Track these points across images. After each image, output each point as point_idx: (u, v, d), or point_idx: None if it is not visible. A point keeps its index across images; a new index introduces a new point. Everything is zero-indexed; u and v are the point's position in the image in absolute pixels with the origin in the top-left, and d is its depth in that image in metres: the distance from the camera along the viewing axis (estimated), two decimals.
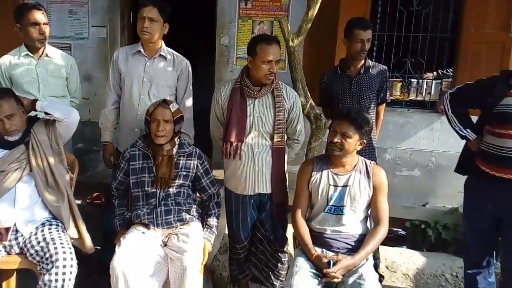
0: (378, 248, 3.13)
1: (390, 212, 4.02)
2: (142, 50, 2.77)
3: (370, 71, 3.04)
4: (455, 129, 2.62)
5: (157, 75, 2.78)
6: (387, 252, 3.63)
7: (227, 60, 4.45)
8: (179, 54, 2.88)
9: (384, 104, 3.22)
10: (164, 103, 2.48)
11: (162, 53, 2.80)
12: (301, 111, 2.69)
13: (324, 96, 3.15)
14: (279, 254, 2.72)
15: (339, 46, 3.65)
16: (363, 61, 3.04)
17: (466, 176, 2.67)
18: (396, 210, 4.16)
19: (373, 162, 2.43)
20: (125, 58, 2.80)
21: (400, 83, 4.27)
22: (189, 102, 2.88)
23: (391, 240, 4.02)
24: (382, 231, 2.29)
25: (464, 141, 2.62)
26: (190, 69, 2.89)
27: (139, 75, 2.77)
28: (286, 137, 2.67)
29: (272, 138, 2.56)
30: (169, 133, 2.46)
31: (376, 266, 3.14)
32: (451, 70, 4.25)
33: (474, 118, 2.59)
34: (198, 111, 3.04)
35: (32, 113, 2.62)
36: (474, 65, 3.79)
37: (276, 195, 2.63)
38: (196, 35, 6.62)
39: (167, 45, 2.86)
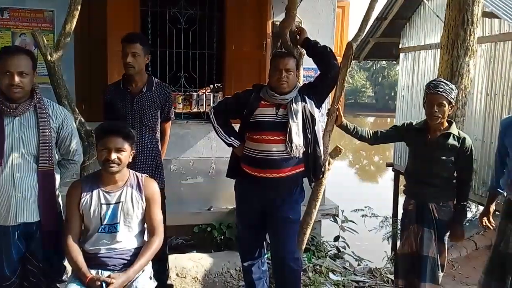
0: (167, 265, 3.20)
1: (178, 220, 4.22)
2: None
3: (152, 89, 2.97)
4: (221, 138, 2.90)
5: None
6: (177, 260, 3.74)
7: None
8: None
9: (170, 122, 3.22)
10: None
11: None
12: (74, 129, 2.54)
13: (109, 112, 3.01)
14: (57, 284, 2.52)
15: (110, 61, 3.60)
16: (145, 78, 2.97)
17: None
18: (184, 218, 4.36)
19: (145, 174, 2.47)
20: None
21: (182, 96, 4.47)
22: None
23: (179, 249, 4.17)
24: (157, 241, 2.34)
25: (231, 148, 2.92)
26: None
27: None
28: (58, 158, 2.49)
29: (37, 161, 2.34)
30: None
31: (165, 279, 3.20)
32: (220, 85, 4.67)
33: (237, 127, 2.90)
34: None
35: None
36: (237, 79, 4.26)
37: (45, 223, 2.41)
38: None
39: None
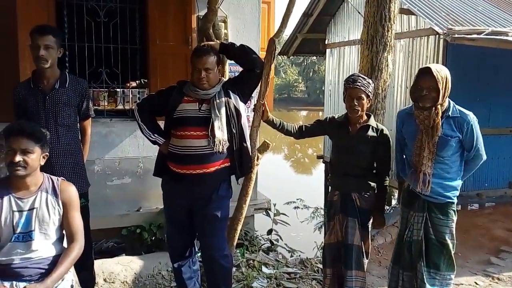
0: (92, 271, 3.04)
1: (105, 223, 4.04)
2: None
3: (66, 85, 2.79)
4: (146, 136, 2.82)
5: None
6: (104, 265, 3.58)
7: None
8: None
9: (90, 119, 3.04)
10: None
11: None
12: None
13: (20, 113, 2.78)
14: None
15: (22, 56, 3.34)
16: (57, 74, 2.78)
17: None
18: (111, 220, 4.19)
19: (62, 178, 2.32)
20: None
21: (106, 93, 4.26)
22: None
23: (110, 252, 4.00)
24: (77, 247, 2.21)
25: (157, 145, 2.83)
26: None
27: None
28: None
29: None
30: None
31: (91, 286, 3.05)
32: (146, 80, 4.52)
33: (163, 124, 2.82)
34: None
35: None
36: (163, 74, 4.16)
37: None
38: None
39: None
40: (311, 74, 36.45)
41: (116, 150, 4.26)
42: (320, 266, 3.81)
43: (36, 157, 2.14)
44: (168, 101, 2.70)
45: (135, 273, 3.59)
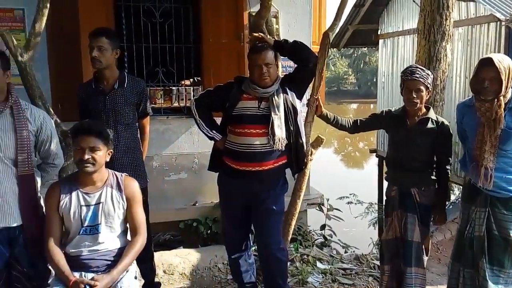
0: (153, 263, 3.17)
1: (164, 217, 4.19)
2: None
3: (125, 85, 2.90)
4: (203, 132, 2.86)
5: None
6: (163, 257, 3.71)
7: None
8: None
9: (148, 117, 3.14)
10: None
11: None
12: (54, 132, 2.46)
13: (83, 112, 2.93)
14: None
15: (84, 58, 3.52)
16: (117, 74, 2.89)
17: None
18: (170, 214, 4.33)
19: (125, 174, 2.43)
20: None
21: (162, 91, 4.41)
22: None
23: (166, 245, 4.14)
24: (140, 240, 2.31)
25: (213, 141, 2.89)
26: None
27: None
28: (37, 161, 2.43)
29: (16, 165, 2.28)
30: None
31: (152, 277, 3.18)
32: (199, 78, 4.62)
33: (220, 120, 2.86)
34: None
35: None
36: (216, 71, 4.23)
37: (27, 227, 2.37)
38: None
39: None
40: (361, 65, 35.69)
41: (173, 147, 4.39)
42: (377, 262, 3.74)
43: (103, 154, 2.25)
44: (226, 98, 2.72)
45: (192, 265, 3.70)
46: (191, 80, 4.72)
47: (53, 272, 2.49)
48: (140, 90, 2.98)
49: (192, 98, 4.43)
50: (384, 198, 3.09)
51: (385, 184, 3.04)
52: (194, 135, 4.39)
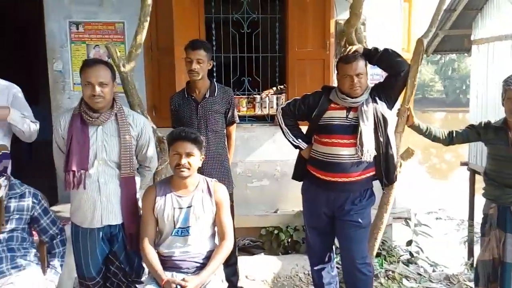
0: (236, 268, 3.24)
1: (246, 223, 4.26)
2: None
3: (215, 94, 3.05)
4: (289, 140, 2.87)
5: None
6: (246, 262, 3.77)
7: (63, 87, 4.19)
8: (4, 81, 2.63)
9: (235, 125, 3.25)
10: None
11: None
12: (151, 137, 2.62)
13: (176, 120, 3.13)
14: (136, 285, 2.64)
15: (178, 68, 3.71)
16: (208, 84, 3.05)
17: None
18: (252, 220, 4.40)
19: (215, 179, 2.51)
20: None
21: (246, 99, 4.52)
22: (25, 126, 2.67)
23: (245, 249, 4.21)
24: (228, 244, 2.37)
25: (298, 150, 2.89)
26: (21, 94, 2.66)
27: None
28: (136, 165, 2.61)
29: (119, 167, 2.47)
30: None
31: (235, 281, 3.24)
32: (284, 86, 4.66)
33: (305, 128, 2.86)
34: (40, 142, 2.81)
35: None
36: (300, 80, 4.23)
37: (127, 225, 2.54)
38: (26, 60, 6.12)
39: None
40: (449, 72, 33.71)
41: (256, 154, 4.46)
42: (470, 284, 3.49)
43: (197, 159, 2.36)
44: (314, 107, 2.71)
45: (273, 273, 3.71)
46: (274, 88, 4.78)
47: (146, 269, 2.65)
48: (229, 99, 3.10)
49: (276, 106, 4.50)
50: (478, 213, 2.88)
51: (478, 199, 2.83)
52: (277, 143, 4.42)
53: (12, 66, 4.77)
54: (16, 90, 2.68)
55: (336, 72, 2.70)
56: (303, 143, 2.82)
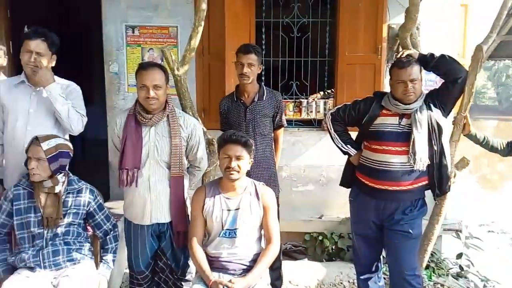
0: (281, 272, 3.23)
1: (290, 227, 4.24)
2: (26, 80, 2.61)
3: (264, 98, 3.07)
4: (337, 146, 2.84)
5: (45, 105, 2.62)
6: (289, 267, 3.75)
7: (118, 88, 4.34)
8: (67, 80, 2.76)
9: (282, 129, 3.27)
10: (36, 140, 2.35)
11: None
12: (202, 138, 2.68)
13: (225, 123, 3.18)
14: (182, 282, 2.71)
15: (228, 72, 3.76)
16: (257, 88, 3.07)
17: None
18: (296, 224, 4.37)
19: (262, 183, 2.52)
20: (7, 90, 2.62)
21: (292, 103, 4.52)
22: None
23: (287, 254, 4.18)
24: (274, 248, 2.38)
25: (346, 156, 2.85)
26: (78, 92, 2.78)
27: (24, 107, 2.60)
28: (187, 165, 2.66)
29: (169, 167, 2.53)
30: (44, 171, 2.32)
31: (279, 285, 3.24)
32: (332, 91, 4.61)
33: (354, 134, 2.82)
34: (94, 141, 2.92)
35: None
36: (350, 85, 4.17)
37: (175, 224, 2.60)
38: (84, 62, 6.41)
39: None
40: (503, 79, 32.16)
41: (302, 158, 4.44)
42: None
43: (246, 162, 2.38)
44: (364, 113, 2.66)
45: (317, 279, 3.67)
46: (321, 92, 4.74)
47: (192, 267, 2.70)
48: (277, 103, 3.12)
49: (322, 110, 4.47)
50: None
51: None
52: (323, 148, 4.37)
53: (72, 67, 4.99)
54: (75, 87, 2.79)
55: (389, 77, 2.64)
56: (352, 149, 2.78)
